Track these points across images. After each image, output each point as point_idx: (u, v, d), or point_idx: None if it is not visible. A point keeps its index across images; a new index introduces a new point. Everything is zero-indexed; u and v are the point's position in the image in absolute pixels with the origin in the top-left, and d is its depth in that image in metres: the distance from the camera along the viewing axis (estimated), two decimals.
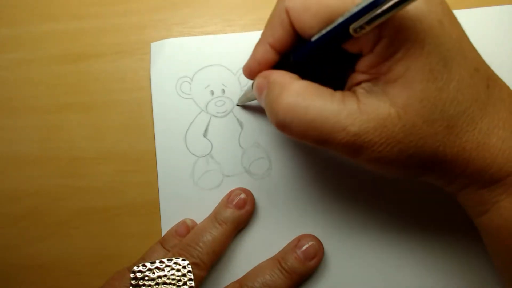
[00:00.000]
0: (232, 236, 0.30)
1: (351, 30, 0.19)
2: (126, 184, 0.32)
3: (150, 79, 0.33)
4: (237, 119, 0.32)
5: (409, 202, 0.30)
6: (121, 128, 0.33)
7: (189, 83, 0.32)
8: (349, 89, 0.22)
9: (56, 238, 0.32)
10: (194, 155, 0.32)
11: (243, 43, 0.32)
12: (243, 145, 0.32)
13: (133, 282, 0.27)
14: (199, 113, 0.32)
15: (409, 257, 0.30)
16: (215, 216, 0.30)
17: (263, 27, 0.33)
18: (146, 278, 0.27)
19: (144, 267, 0.28)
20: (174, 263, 0.27)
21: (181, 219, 0.31)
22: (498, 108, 0.21)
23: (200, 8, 0.34)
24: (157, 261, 0.28)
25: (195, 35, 0.33)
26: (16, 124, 0.33)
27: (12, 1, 0.35)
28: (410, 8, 0.19)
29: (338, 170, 0.31)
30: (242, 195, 0.30)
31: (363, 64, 0.21)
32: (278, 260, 0.29)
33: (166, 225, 0.31)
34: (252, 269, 0.29)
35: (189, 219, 0.31)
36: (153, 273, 0.27)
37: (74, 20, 0.34)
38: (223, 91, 0.32)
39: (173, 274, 0.27)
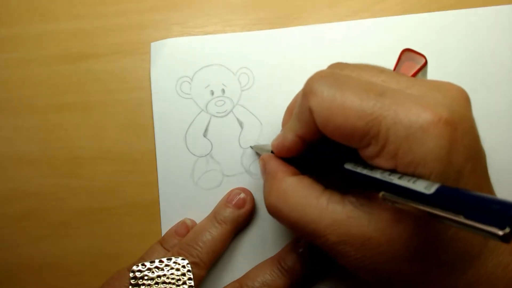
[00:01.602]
0: (232, 236, 0.30)
1: (380, 195, 0.17)
2: (126, 184, 0.32)
3: (150, 79, 0.33)
4: (237, 119, 0.32)
5: None
6: (121, 128, 0.33)
7: (189, 83, 0.32)
8: (342, 189, 0.22)
9: (56, 238, 0.32)
10: (194, 155, 0.32)
11: (243, 43, 0.32)
12: (243, 145, 0.32)
13: (132, 281, 0.27)
14: (199, 113, 0.32)
15: None
16: (214, 216, 0.30)
17: (263, 27, 0.33)
18: (146, 277, 0.27)
19: (143, 267, 0.28)
20: (174, 262, 0.27)
21: (181, 219, 0.31)
22: (485, 262, 0.19)
23: (200, 8, 0.34)
24: (157, 260, 0.28)
25: (195, 35, 0.33)
26: (16, 124, 0.33)
27: (12, 1, 0.35)
28: (430, 155, 0.17)
29: None
30: (242, 195, 0.30)
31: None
32: (278, 260, 0.29)
33: (166, 225, 0.31)
34: (252, 269, 0.29)
35: (188, 219, 0.31)
36: (153, 272, 0.27)
37: (74, 20, 0.34)
38: (223, 91, 0.32)
39: (172, 274, 0.27)
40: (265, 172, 0.25)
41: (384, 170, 0.18)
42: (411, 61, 0.30)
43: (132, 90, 0.33)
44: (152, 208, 0.32)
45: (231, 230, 0.30)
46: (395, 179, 0.17)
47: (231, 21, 0.33)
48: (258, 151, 0.31)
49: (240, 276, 0.30)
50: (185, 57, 0.32)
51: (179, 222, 0.31)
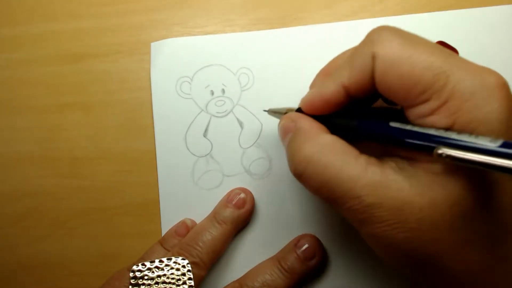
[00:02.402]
0: (232, 236, 0.30)
1: (437, 152, 0.17)
2: (126, 184, 0.32)
3: (150, 79, 0.33)
4: (237, 119, 0.32)
5: None
6: (121, 128, 0.33)
7: (189, 83, 0.32)
8: (380, 155, 0.21)
9: (56, 238, 0.32)
10: (194, 155, 0.32)
11: (243, 43, 0.32)
12: (243, 145, 0.32)
13: (132, 281, 0.27)
14: (199, 113, 0.32)
15: None
16: (214, 216, 0.30)
17: (263, 27, 0.33)
18: (146, 277, 0.27)
19: (143, 267, 0.28)
20: (174, 262, 0.27)
21: (181, 219, 0.31)
22: None
23: (200, 8, 0.34)
24: (157, 260, 0.28)
25: (195, 35, 0.33)
26: (16, 124, 0.33)
27: (12, 1, 0.35)
28: (494, 115, 0.17)
29: None
30: (242, 195, 0.30)
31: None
32: (278, 259, 0.29)
33: (166, 225, 0.31)
34: (252, 269, 0.29)
35: (188, 219, 0.31)
36: (153, 272, 0.27)
37: (74, 20, 0.34)
38: (223, 91, 0.32)
39: (172, 274, 0.27)
40: (295, 128, 0.22)
41: (438, 128, 0.18)
42: None
43: (132, 90, 0.33)
44: (152, 208, 0.32)
45: (231, 230, 0.30)
46: (454, 135, 0.16)
47: (231, 21, 0.33)
48: (274, 116, 0.28)
49: (240, 276, 0.30)
50: (185, 57, 0.32)
51: (179, 222, 0.31)
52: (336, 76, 0.21)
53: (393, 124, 0.19)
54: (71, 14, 0.34)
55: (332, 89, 0.21)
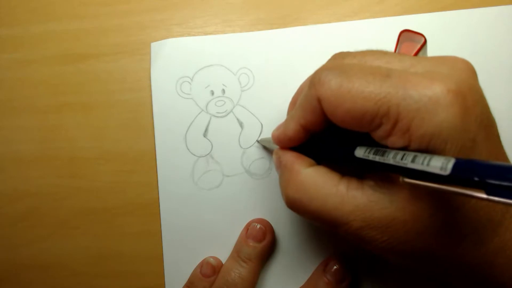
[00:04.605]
0: (260, 270, 0.30)
1: (400, 180, 0.18)
2: (126, 184, 0.32)
3: (150, 79, 0.33)
4: (237, 119, 0.32)
5: None
6: (121, 128, 0.33)
7: (189, 83, 0.32)
8: (359, 174, 0.22)
9: (56, 238, 0.32)
10: (194, 155, 0.32)
11: (243, 43, 0.32)
12: (243, 145, 0.32)
13: None
14: (199, 113, 0.32)
15: None
16: (238, 254, 0.29)
17: (263, 27, 0.33)
18: None
19: None
20: None
21: (182, 221, 0.31)
22: (509, 228, 0.19)
23: (200, 8, 0.34)
24: None
25: (195, 35, 0.33)
26: (16, 124, 0.33)
27: (12, 1, 0.35)
28: (444, 124, 0.17)
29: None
30: (260, 226, 0.30)
31: None
32: (312, 287, 0.29)
33: (166, 225, 0.31)
34: None
35: (211, 257, 0.31)
36: None
37: (74, 20, 0.34)
38: (223, 91, 0.32)
39: None
40: (281, 165, 0.24)
41: (398, 150, 0.18)
42: (411, 41, 0.30)
43: (132, 90, 0.33)
44: (152, 208, 0.32)
45: (257, 265, 0.29)
46: (408, 163, 0.17)
47: (231, 21, 0.34)
48: (265, 145, 0.31)
49: None
50: (185, 57, 0.32)
51: (203, 261, 0.31)
52: (294, 117, 0.23)
53: (357, 153, 0.20)
54: (71, 14, 0.34)
55: (293, 128, 0.23)
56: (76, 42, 0.34)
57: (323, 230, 0.30)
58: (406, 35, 0.30)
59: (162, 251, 0.31)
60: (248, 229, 0.30)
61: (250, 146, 0.31)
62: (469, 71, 0.20)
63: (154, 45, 0.33)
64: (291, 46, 0.32)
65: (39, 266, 0.32)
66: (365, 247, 0.21)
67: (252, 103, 0.32)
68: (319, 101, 0.20)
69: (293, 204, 0.22)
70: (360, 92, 0.19)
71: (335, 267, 0.29)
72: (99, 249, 0.32)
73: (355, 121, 0.19)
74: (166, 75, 0.32)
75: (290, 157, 0.24)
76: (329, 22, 0.32)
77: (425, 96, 0.17)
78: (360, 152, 0.20)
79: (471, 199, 0.18)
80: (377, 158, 0.19)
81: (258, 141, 0.31)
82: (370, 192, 0.20)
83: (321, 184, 0.21)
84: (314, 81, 0.21)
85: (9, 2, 0.35)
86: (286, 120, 0.24)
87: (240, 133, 0.32)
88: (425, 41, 0.30)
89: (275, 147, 0.26)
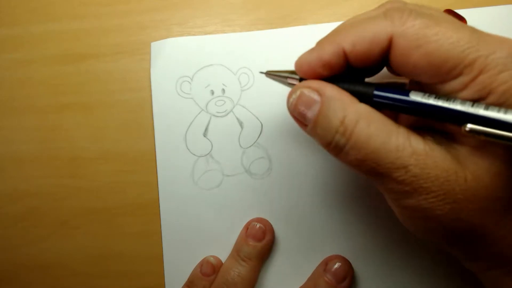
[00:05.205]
0: (259, 269, 0.30)
1: (465, 129, 0.17)
2: (126, 184, 0.32)
3: (150, 79, 0.33)
4: (237, 119, 0.32)
5: None
6: (121, 128, 0.33)
7: (189, 82, 0.32)
8: (414, 129, 0.20)
9: (56, 238, 0.32)
10: (194, 154, 0.32)
11: (243, 42, 0.32)
12: (243, 145, 0.32)
13: None
14: (199, 112, 0.32)
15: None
16: (238, 254, 0.29)
17: (263, 27, 0.33)
18: None
19: None
20: None
21: (182, 220, 0.31)
22: None
23: (200, 8, 0.34)
24: None
25: (195, 35, 0.33)
26: (16, 124, 0.33)
27: (12, 1, 0.35)
28: None
29: (339, 169, 0.31)
30: (259, 225, 0.30)
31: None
32: (313, 285, 0.29)
33: (166, 225, 0.31)
34: None
35: (211, 256, 0.31)
36: None
37: (74, 20, 0.34)
38: (223, 90, 0.32)
39: None
40: (324, 98, 0.20)
41: (465, 100, 0.17)
42: None
43: (132, 90, 0.33)
44: (152, 208, 0.32)
45: (257, 264, 0.29)
46: (481, 110, 0.16)
47: (231, 21, 0.34)
48: (276, 80, 0.25)
49: None
50: (185, 57, 0.32)
51: (203, 261, 0.30)
52: (335, 39, 0.20)
53: (413, 96, 0.19)
54: (71, 14, 0.34)
55: (332, 51, 0.20)
56: (76, 42, 0.34)
57: (323, 230, 0.30)
58: (449, 13, 0.30)
59: (162, 251, 0.31)
60: (248, 229, 0.30)
61: (250, 146, 0.31)
62: None
63: (154, 45, 0.33)
64: (291, 46, 0.32)
65: (39, 266, 0.32)
66: (409, 202, 0.19)
67: (252, 102, 0.32)
68: (390, 37, 0.18)
69: (347, 140, 0.19)
70: (448, 37, 0.17)
71: (335, 266, 0.29)
72: (99, 249, 0.32)
73: (432, 68, 0.18)
74: (166, 75, 0.32)
75: (336, 89, 0.20)
76: (329, 21, 0.32)
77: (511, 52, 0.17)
78: (416, 97, 0.18)
79: None
80: (441, 103, 0.18)
81: (265, 73, 0.25)
82: (432, 143, 0.19)
83: (381, 121, 0.19)
84: (392, 15, 0.19)
85: (9, 2, 0.35)
86: (320, 43, 0.21)
87: (240, 133, 0.32)
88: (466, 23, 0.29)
89: (289, 85, 0.22)
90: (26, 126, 0.33)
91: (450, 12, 0.30)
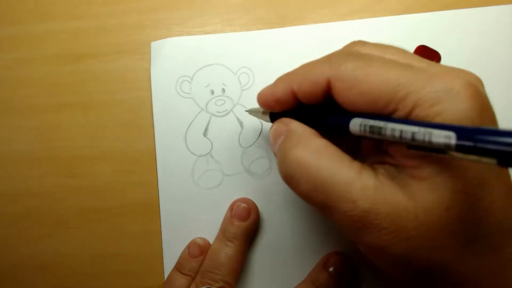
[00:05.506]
0: (246, 249, 0.30)
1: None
2: (126, 184, 0.32)
3: (150, 79, 0.33)
4: (237, 119, 0.32)
5: None
6: (121, 127, 0.33)
7: (189, 82, 0.32)
8: (369, 164, 0.20)
9: (55, 238, 0.32)
10: (194, 154, 0.32)
11: (243, 42, 0.32)
12: (243, 145, 0.32)
13: None
14: (199, 112, 0.32)
15: None
16: (224, 234, 0.30)
17: (263, 27, 0.33)
18: None
19: None
20: None
21: (182, 220, 0.31)
22: None
23: (200, 8, 0.34)
24: None
25: (195, 35, 0.33)
26: (15, 124, 0.33)
27: (12, 1, 0.35)
28: (462, 115, 0.17)
29: None
30: (244, 205, 0.30)
31: (395, 149, 0.19)
32: (312, 280, 0.29)
33: (166, 225, 0.31)
34: None
35: (199, 237, 0.31)
36: None
37: (74, 20, 0.34)
38: (223, 90, 0.32)
39: None
40: (287, 131, 0.22)
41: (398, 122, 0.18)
42: (426, 57, 0.31)
43: (132, 90, 0.33)
44: (152, 208, 0.32)
45: (243, 244, 0.30)
46: (409, 140, 0.17)
47: (231, 21, 0.34)
48: (254, 115, 0.29)
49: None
50: (185, 56, 0.32)
51: (190, 242, 0.31)
52: (286, 80, 0.22)
53: (352, 126, 0.20)
54: (71, 14, 0.34)
55: (283, 90, 0.22)
56: (76, 41, 0.34)
57: (323, 230, 0.30)
58: (422, 50, 0.31)
59: (162, 251, 0.31)
60: (232, 209, 0.30)
61: (250, 146, 0.31)
62: (480, 81, 0.20)
63: (154, 45, 0.33)
64: (291, 45, 0.32)
65: (39, 266, 0.32)
66: (363, 239, 0.19)
67: (252, 102, 0.32)
68: (327, 80, 0.20)
69: (295, 171, 0.20)
70: (379, 75, 0.18)
71: (335, 264, 0.29)
72: (99, 249, 0.32)
73: (368, 105, 0.19)
74: (166, 75, 0.32)
75: (300, 125, 0.22)
76: (329, 21, 0.32)
77: (446, 86, 0.17)
78: (355, 128, 0.19)
79: (485, 198, 0.18)
80: (375, 136, 0.18)
81: (247, 111, 0.29)
82: (384, 178, 0.19)
83: (334, 155, 0.20)
84: (331, 60, 0.20)
85: (9, 2, 0.35)
86: (276, 81, 0.23)
87: (240, 133, 0.32)
88: (440, 58, 0.30)
89: (266, 119, 0.25)
90: (25, 125, 0.33)
91: (423, 48, 0.31)
